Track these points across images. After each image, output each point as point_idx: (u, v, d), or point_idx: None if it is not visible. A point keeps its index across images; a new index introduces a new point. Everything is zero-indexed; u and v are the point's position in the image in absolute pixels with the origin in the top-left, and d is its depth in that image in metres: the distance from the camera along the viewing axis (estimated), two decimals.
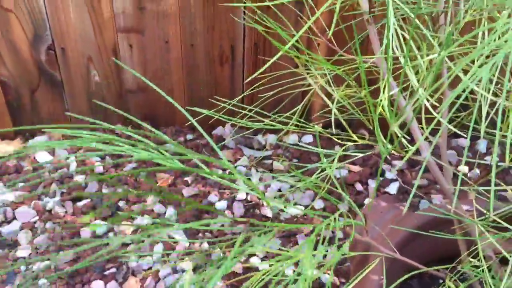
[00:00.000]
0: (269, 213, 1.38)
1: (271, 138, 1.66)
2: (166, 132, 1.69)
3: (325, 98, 0.72)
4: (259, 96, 1.60)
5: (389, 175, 1.51)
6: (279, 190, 1.46)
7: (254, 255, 1.27)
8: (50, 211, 1.39)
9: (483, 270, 0.58)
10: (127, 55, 1.53)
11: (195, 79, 1.59)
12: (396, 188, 1.46)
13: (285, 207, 1.40)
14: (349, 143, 0.74)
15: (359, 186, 1.47)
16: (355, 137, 0.63)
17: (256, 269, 1.24)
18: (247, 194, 1.43)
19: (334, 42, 1.46)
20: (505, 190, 1.37)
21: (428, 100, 0.64)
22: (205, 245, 1.30)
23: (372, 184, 1.48)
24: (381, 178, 1.51)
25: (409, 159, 1.59)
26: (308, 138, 1.67)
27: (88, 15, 1.45)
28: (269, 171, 1.54)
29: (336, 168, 1.53)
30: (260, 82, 1.56)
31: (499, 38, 0.38)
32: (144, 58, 1.54)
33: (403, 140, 0.62)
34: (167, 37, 1.50)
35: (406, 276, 0.63)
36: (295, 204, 1.41)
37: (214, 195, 1.42)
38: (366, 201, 1.42)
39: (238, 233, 1.35)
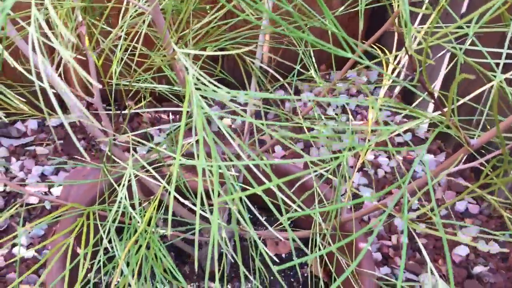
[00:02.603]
0: (33, 200, 1.33)
1: (32, 124, 1.59)
2: None
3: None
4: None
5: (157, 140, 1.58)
6: (43, 174, 1.42)
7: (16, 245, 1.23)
8: None
9: None
10: None
11: None
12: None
13: (49, 189, 1.37)
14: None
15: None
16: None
17: (22, 257, 1.21)
18: (5, 185, 1.36)
19: None
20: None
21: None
22: None
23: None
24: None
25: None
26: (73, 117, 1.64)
27: None
28: (32, 157, 1.48)
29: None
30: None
31: None
32: None
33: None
34: None
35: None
36: (59, 185, 1.38)
37: None
38: None
39: (2, 226, 1.28)
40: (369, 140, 0.78)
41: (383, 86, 0.57)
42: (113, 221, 0.57)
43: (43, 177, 1.41)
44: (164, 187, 0.78)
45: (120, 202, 0.56)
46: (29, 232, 1.27)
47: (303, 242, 0.93)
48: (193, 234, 0.82)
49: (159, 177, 0.55)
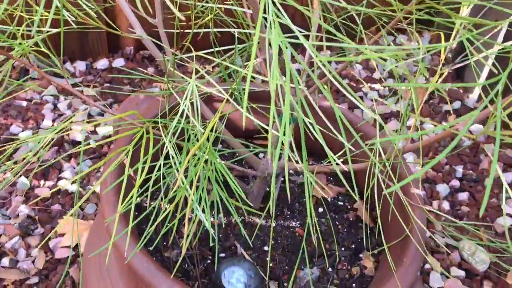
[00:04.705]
0: (78, 137, 1.36)
1: (81, 65, 1.61)
2: None
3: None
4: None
5: None
6: (89, 115, 1.44)
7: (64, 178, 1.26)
8: None
9: None
10: None
11: None
12: None
13: (95, 128, 1.39)
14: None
15: None
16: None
17: (66, 191, 1.24)
18: (53, 121, 1.39)
19: None
20: None
21: None
22: (7, 175, 1.24)
23: None
24: None
25: None
26: (120, 62, 1.65)
27: None
28: (79, 98, 1.50)
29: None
30: None
31: None
32: None
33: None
34: None
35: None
36: (106, 125, 1.40)
37: (17, 126, 1.35)
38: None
39: (46, 160, 1.31)
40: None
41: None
42: (174, 133, 0.57)
43: (89, 116, 1.44)
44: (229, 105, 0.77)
45: (180, 117, 0.56)
46: (74, 168, 1.30)
47: (350, 186, 0.91)
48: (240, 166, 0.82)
49: (223, 91, 0.54)
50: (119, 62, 1.62)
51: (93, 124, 1.39)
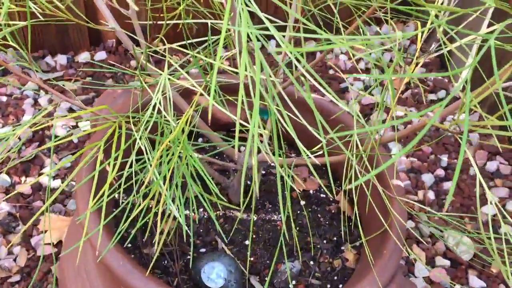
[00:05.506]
0: (60, 133, 1.34)
1: (62, 59, 1.58)
2: None
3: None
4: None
5: None
6: (70, 109, 1.42)
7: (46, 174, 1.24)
8: None
9: None
10: None
11: None
12: None
13: (77, 123, 1.37)
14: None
15: None
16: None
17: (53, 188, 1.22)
18: (34, 116, 1.37)
19: None
20: None
21: None
22: None
23: None
24: None
25: None
26: (102, 55, 1.63)
27: None
28: (60, 92, 1.48)
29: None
30: None
31: None
32: None
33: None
34: None
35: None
36: (87, 120, 1.38)
37: None
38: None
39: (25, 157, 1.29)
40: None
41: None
42: (146, 128, 0.56)
43: (71, 111, 1.42)
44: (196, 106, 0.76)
45: (153, 111, 0.55)
46: (56, 164, 1.28)
47: (332, 178, 0.91)
48: (221, 160, 0.81)
49: (195, 84, 0.53)
50: (101, 56, 1.60)
51: (68, 118, 1.37)
